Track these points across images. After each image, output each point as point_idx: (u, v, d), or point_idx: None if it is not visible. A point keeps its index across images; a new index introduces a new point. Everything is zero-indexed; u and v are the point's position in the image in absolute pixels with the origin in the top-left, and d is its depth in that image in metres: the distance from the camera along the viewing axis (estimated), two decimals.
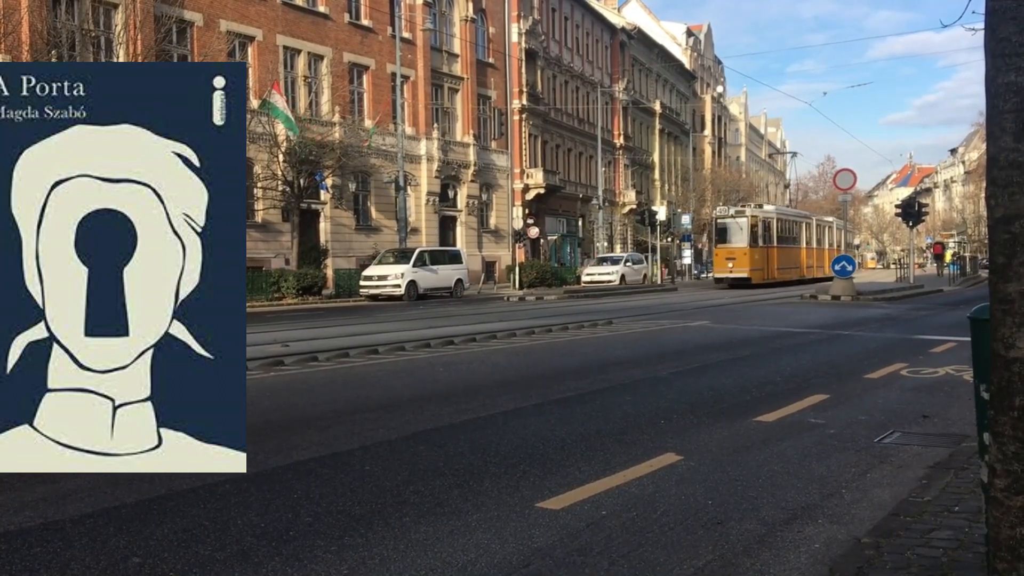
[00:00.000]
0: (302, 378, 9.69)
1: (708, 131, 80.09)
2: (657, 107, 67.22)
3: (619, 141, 59.64)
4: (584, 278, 40.52)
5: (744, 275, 36.14)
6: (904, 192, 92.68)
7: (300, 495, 4.79)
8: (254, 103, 31.11)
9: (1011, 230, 2.70)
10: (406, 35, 37.48)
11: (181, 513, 4.44)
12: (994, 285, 2.76)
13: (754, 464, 5.52)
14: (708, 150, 79.18)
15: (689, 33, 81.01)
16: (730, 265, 36.55)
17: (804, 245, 43.46)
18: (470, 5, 42.83)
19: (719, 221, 38.76)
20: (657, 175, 67.34)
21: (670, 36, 76.67)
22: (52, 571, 3.65)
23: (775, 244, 38.71)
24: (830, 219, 53.49)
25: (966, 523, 4.10)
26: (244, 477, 5.13)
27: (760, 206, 41.47)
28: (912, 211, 34.55)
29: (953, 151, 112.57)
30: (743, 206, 42.75)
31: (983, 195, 3.06)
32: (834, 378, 9.45)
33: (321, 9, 34.94)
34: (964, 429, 6.35)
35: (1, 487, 4.92)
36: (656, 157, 67.63)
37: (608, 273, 40.34)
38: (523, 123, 47.15)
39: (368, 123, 35.64)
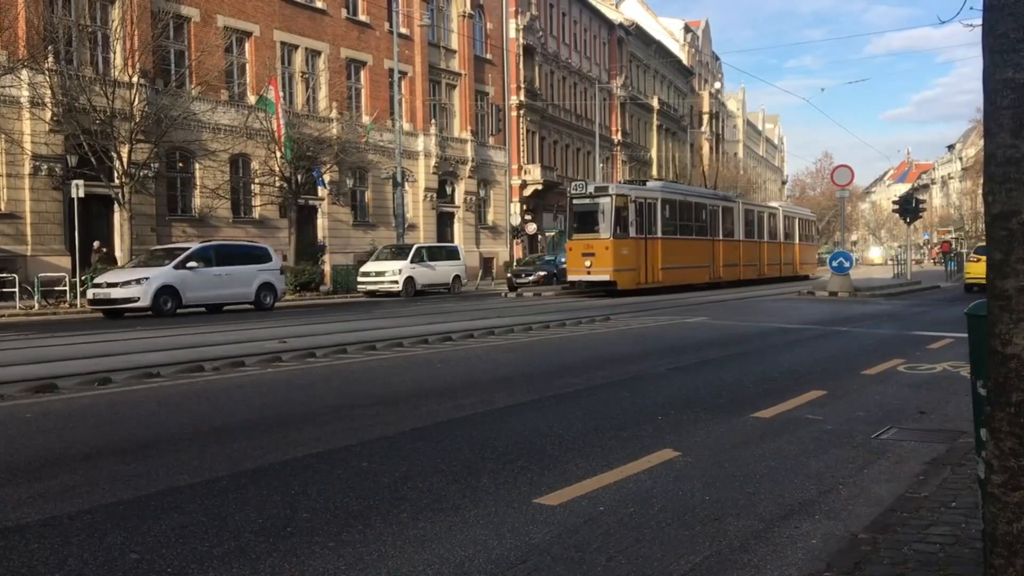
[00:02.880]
0: (300, 374, 9.68)
1: (706, 127, 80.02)
2: (655, 103, 67.18)
3: (617, 137, 59.61)
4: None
5: (605, 277, 26.29)
6: (902, 188, 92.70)
7: (298, 491, 4.79)
8: (251, 99, 31.10)
9: (1008, 226, 2.70)
10: (404, 31, 37.43)
11: (179, 509, 4.44)
12: (991, 281, 2.77)
13: (751, 460, 5.53)
14: (706, 146, 79.13)
15: (687, 29, 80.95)
16: (587, 264, 26.26)
17: (725, 237, 33.50)
18: (467, 1, 42.76)
19: (574, 203, 27.42)
20: (655, 171, 67.25)
21: (668, 32, 76.62)
22: (50, 567, 3.64)
23: (660, 235, 28.18)
24: (793, 208, 46.93)
25: (963, 519, 4.10)
26: (242, 473, 5.15)
27: (643, 183, 30.98)
28: (910, 207, 34.55)
29: (951, 147, 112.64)
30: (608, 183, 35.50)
31: (980, 191, 3.06)
32: (831, 374, 9.45)
33: (318, 5, 34.87)
34: (961, 425, 6.36)
35: (0, 482, 4.93)
36: (654, 153, 67.60)
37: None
38: (521, 119, 47.11)
39: (366, 119, 35.60)
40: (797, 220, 43.21)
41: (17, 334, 15.31)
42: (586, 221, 27.07)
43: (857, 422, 6.76)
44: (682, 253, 29.83)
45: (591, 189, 27.28)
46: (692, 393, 8.22)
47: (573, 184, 29.23)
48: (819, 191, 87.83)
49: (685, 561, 3.75)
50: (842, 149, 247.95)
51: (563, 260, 31.02)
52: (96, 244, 25.47)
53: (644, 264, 27.42)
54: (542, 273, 33.92)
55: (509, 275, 35.04)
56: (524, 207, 46.11)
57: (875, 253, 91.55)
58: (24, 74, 24.09)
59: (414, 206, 38.87)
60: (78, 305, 22.20)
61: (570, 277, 27.77)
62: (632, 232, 26.93)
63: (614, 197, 26.52)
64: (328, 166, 32.71)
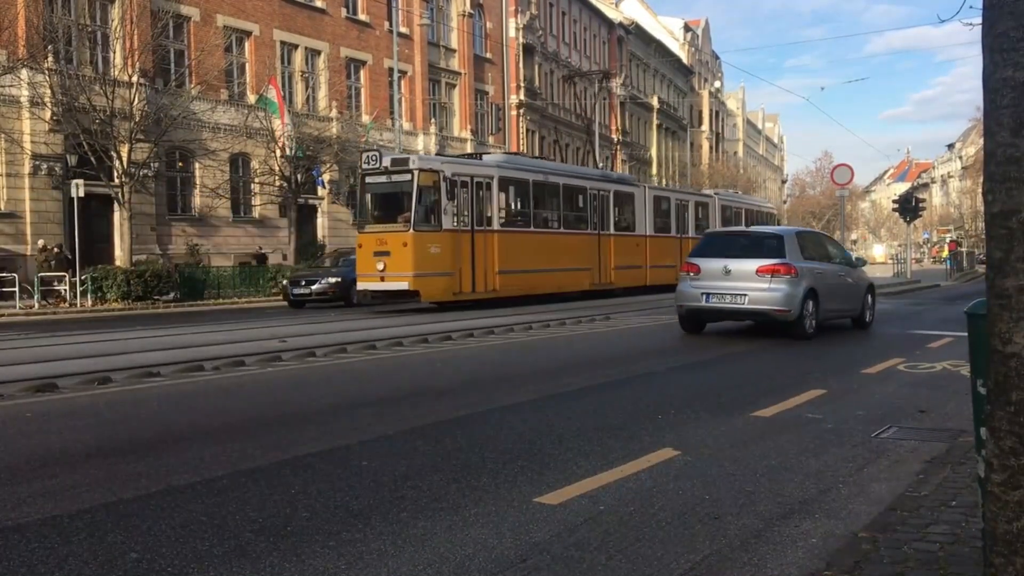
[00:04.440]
0: (300, 373, 9.68)
1: (705, 126, 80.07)
2: (655, 102, 67.18)
3: (617, 136, 59.60)
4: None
5: (402, 284, 19.12)
6: (902, 187, 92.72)
7: (298, 490, 4.79)
8: (251, 98, 31.09)
9: (1008, 225, 2.70)
10: (403, 30, 37.42)
11: (179, 508, 4.44)
12: (991, 280, 2.77)
13: (752, 459, 5.53)
14: (705, 145, 79.19)
15: (687, 28, 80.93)
16: (380, 266, 19.23)
17: (622, 231, 26.48)
18: (467, 0, 42.76)
19: (368, 181, 20.19)
20: (655, 170, 67.29)
21: (667, 31, 76.60)
22: (50, 566, 3.64)
23: (498, 227, 21.13)
24: (739, 198, 37.55)
25: (963, 518, 4.11)
26: (242, 472, 5.15)
27: (478, 155, 23.74)
28: (909, 206, 34.57)
29: (950, 146, 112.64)
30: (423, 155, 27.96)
31: (980, 190, 3.06)
32: (831, 373, 9.45)
33: (318, 4, 34.87)
34: (961, 424, 6.36)
35: (0, 482, 4.93)
36: (653, 152, 67.60)
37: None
38: (520, 118, 47.10)
39: (365, 118, 35.60)
40: (744, 212, 35.50)
41: (17, 333, 15.32)
42: (383, 207, 20.26)
43: (857, 421, 6.76)
44: (537, 251, 22.24)
45: (387, 162, 19.45)
46: (692, 392, 8.22)
47: (365, 155, 20.41)
48: (819, 190, 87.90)
49: (685, 560, 3.75)
50: (842, 148, 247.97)
51: None
52: (41, 243, 24.06)
53: (469, 267, 19.89)
54: (333, 280, 22.92)
55: (285, 283, 24.61)
56: None
57: (877, 251, 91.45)
58: (24, 73, 24.09)
59: None
60: (78, 304, 22.21)
61: (360, 284, 20.25)
62: (448, 223, 19.39)
63: (417, 174, 18.97)
64: (328, 165, 32.70)
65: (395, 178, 19.61)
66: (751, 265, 12.83)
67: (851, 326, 14.63)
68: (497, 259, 20.81)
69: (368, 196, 20.51)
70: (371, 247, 19.61)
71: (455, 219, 19.84)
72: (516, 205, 23.10)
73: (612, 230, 25.98)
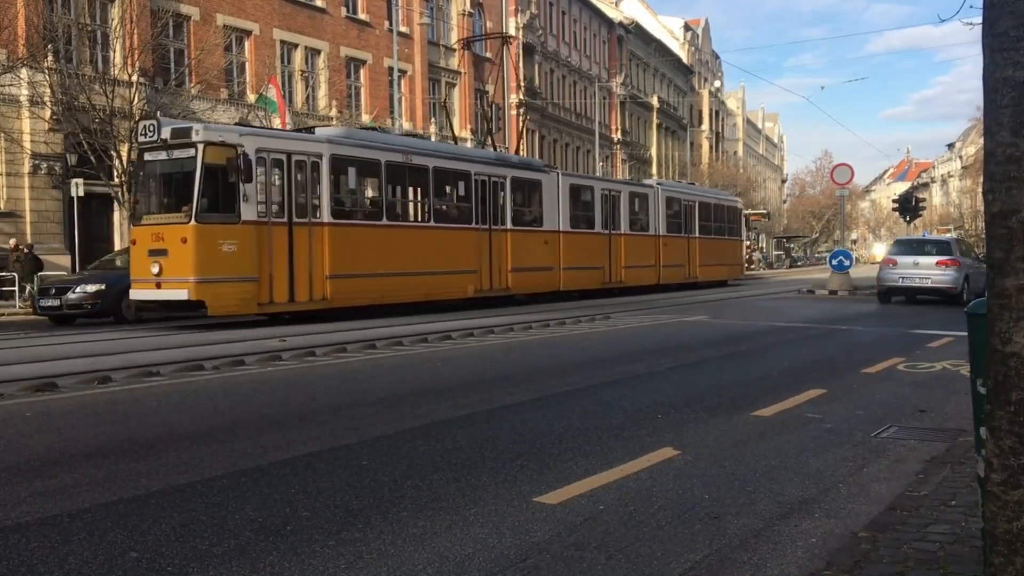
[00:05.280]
0: (299, 373, 9.68)
1: (705, 126, 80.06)
2: (655, 102, 67.17)
3: (616, 136, 59.59)
4: None
5: (182, 293, 14.77)
6: (901, 187, 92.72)
7: (298, 489, 4.79)
8: (251, 98, 31.10)
9: (1008, 225, 2.70)
10: (403, 29, 37.42)
11: (179, 508, 4.44)
12: (991, 280, 2.77)
13: (751, 458, 5.53)
14: (705, 145, 79.17)
15: (687, 27, 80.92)
16: (155, 269, 14.93)
17: (521, 226, 22.07)
18: None
19: (146, 159, 15.70)
20: (655, 170, 67.25)
21: (667, 31, 76.59)
22: (50, 566, 3.64)
23: (329, 218, 16.53)
24: (690, 189, 32.68)
25: (963, 517, 4.11)
26: (242, 472, 5.14)
27: (309, 130, 18.57)
28: (909, 206, 34.51)
29: (950, 146, 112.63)
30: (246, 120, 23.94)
31: (980, 190, 3.06)
32: (831, 373, 9.45)
33: (318, 3, 34.86)
34: (961, 424, 6.36)
35: (0, 481, 4.92)
36: (653, 152, 67.60)
37: None
38: (520, 118, 47.11)
39: (365, 118, 35.60)
40: (698, 205, 31.05)
41: (17, 333, 15.31)
42: (163, 192, 15.78)
43: (857, 421, 6.76)
44: (393, 250, 17.97)
45: (166, 133, 14.95)
46: (692, 392, 8.22)
47: (141, 124, 16.09)
48: (819, 190, 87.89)
49: (685, 559, 3.75)
50: (842, 147, 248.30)
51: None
52: (12, 242, 22.30)
53: (284, 270, 15.63)
54: (93, 288, 17.40)
55: (30, 291, 20.68)
56: None
57: (878, 251, 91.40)
58: (24, 73, 24.09)
59: None
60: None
61: (132, 293, 15.79)
62: (249, 212, 15.09)
63: (203, 149, 14.63)
64: None
65: (177, 154, 15.00)
66: (932, 260, 20.74)
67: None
68: (328, 260, 16.18)
69: (145, 178, 15.90)
70: (146, 244, 15.08)
71: (261, 208, 15.35)
72: (361, 191, 19.04)
73: (509, 224, 21.36)
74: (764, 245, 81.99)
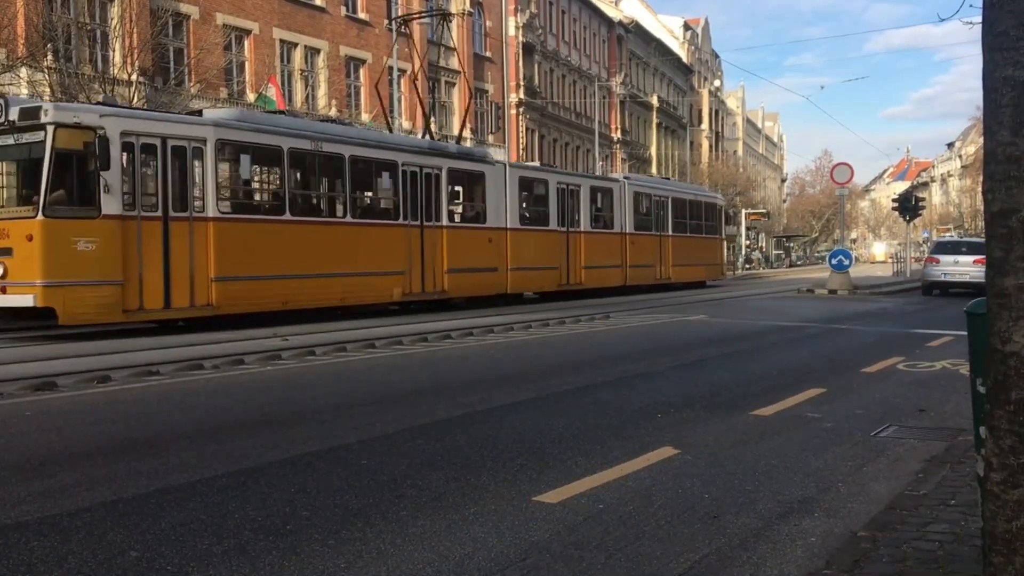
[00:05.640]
0: (299, 372, 9.68)
1: (705, 125, 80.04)
2: (654, 101, 67.16)
3: (616, 135, 59.58)
4: None
5: (27, 298, 12.57)
6: (901, 186, 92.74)
7: (297, 489, 4.79)
8: (251, 97, 31.09)
9: (1008, 224, 2.70)
10: (403, 29, 37.39)
11: (179, 507, 4.44)
12: (991, 279, 2.77)
13: (751, 458, 5.53)
14: (705, 144, 79.15)
15: (686, 27, 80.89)
16: None
17: (462, 223, 20.28)
18: None
19: None
20: (654, 169, 67.23)
21: (667, 30, 76.57)
22: (50, 565, 3.64)
23: (213, 214, 14.46)
24: (661, 184, 31.24)
25: (962, 516, 4.11)
26: (242, 471, 5.14)
27: (197, 112, 16.21)
28: (909, 205, 34.55)
29: (950, 145, 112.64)
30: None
31: (980, 189, 3.06)
32: (831, 372, 9.45)
33: (317, 3, 34.85)
34: (960, 423, 6.36)
35: None
36: (653, 151, 67.58)
37: None
38: (520, 117, 47.09)
39: (365, 117, 35.59)
40: (671, 202, 28.97)
41: (17, 332, 15.29)
42: (9, 180, 14.55)
43: (856, 420, 6.76)
44: (298, 249, 15.81)
45: (14, 114, 12.86)
46: (691, 391, 8.22)
47: None
48: (819, 189, 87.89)
49: (684, 559, 3.75)
50: (842, 147, 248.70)
51: None
52: None
53: (158, 272, 13.63)
54: None
55: None
56: None
57: (877, 250, 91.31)
58: (23, 72, 24.07)
59: None
60: None
61: None
62: (112, 205, 13.15)
63: (53, 132, 12.68)
64: None
65: (26, 138, 13.07)
66: (969, 258, 23.30)
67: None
68: (214, 260, 14.15)
69: None
70: None
71: (128, 200, 13.39)
72: (259, 182, 17.12)
73: (445, 221, 19.19)
74: (764, 244, 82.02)
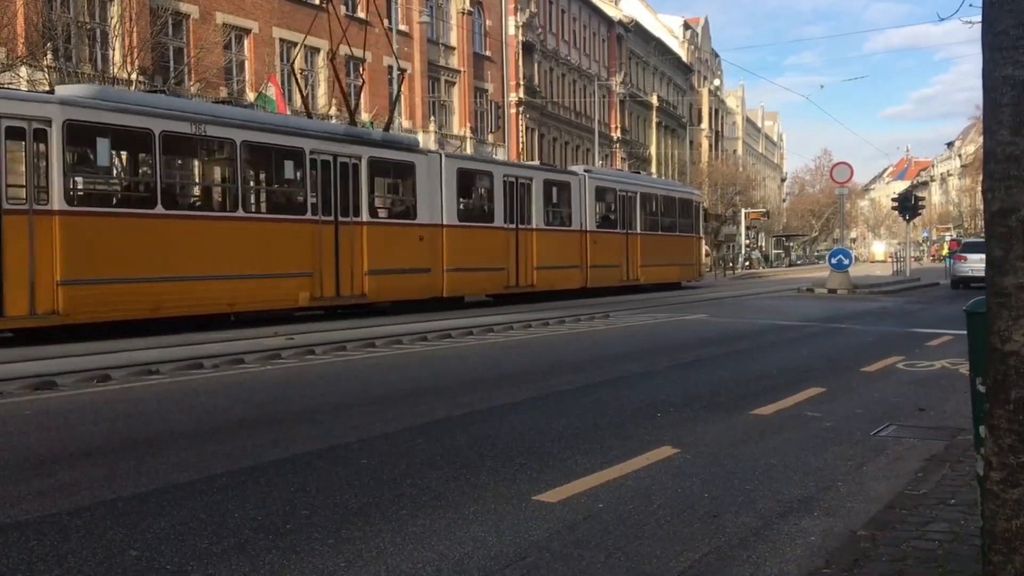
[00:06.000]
0: (299, 371, 9.68)
1: (705, 124, 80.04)
2: (654, 100, 67.14)
3: (616, 134, 59.57)
4: None
5: None
6: (901, 185, 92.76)
7: (297, 488, 4.79)
8: (250, 96, 31.08)
9: (1008, 224, 2.70)
10: (403, 28, 37.42)
11: (179, 506, 4.44)
12: (991, 279, 2.77)
13: (751, 457, 5.53)
14: (705, 143, 79.15)
15: (686, 26, 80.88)
16: None
17: (361, 218, 17.09)
18: None
19: None
20: (654, 168, 67.23)
21: (667, 29, 76.56)
22: (49, 564, 3.64)
23: (59, 207, 12.42)
24: (628, 178, 29.18)
25: (962, 516, 4.11)
26: (242, 470, 5.14)
27: (49, 90, 14.65)
28: (908, 204, 34.54)
29: (950, 144, 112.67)
30: None
31: (980, 188, 3.06)
32: (831, 371, 9.46)
33: (317, 1, 34.83)
34: (960, 422, 6.36)
35: None
36: (653, 150, 67.57)
37: None
38: (520, 116, 47.09)
39: (365, 116, 35.58)
40: (639, 198, 26.82)
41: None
42: None
43: (856, 419, 6.76)
44: (162, 248, 13.68)
45: None
46: (691, 390, 8.22)
47: None
48: (818, 188, 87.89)
49: (684, 558, 3.75)
50: (841, 146, 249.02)
51: None
52: None
53: None
54: None
55: None
56: None
57: (877, 249, 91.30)
58: (23, 71, 24.06)
59: None
60: None
61: None
62: None
63: None
64: None
65: None
66: None
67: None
68: (60, 260, 12.34)
69: None
70: None
71: None
72: (123, 170, 15.03)
73: (366, 216, 17.12)
74: (763, 244, 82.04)
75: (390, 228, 18.05)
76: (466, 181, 20.34)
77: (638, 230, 26.64)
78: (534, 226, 21.87)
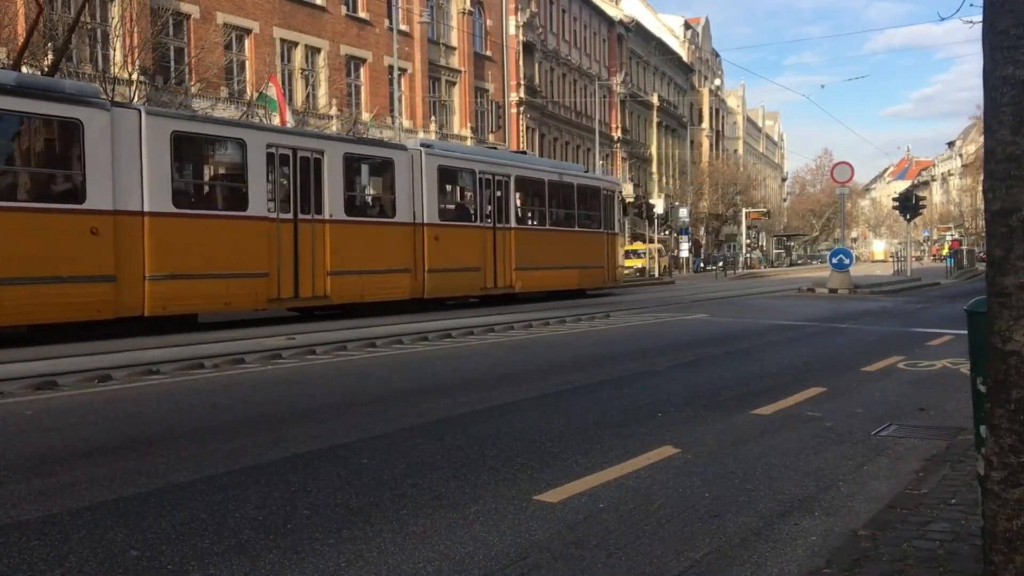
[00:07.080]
0: (300, 371, 9.68)
1: (705, 124, 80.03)
2: (655, 100, 67.14)
3: (616, 134, 59.56)
4: None
5: None
6: (902, 185, 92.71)
7: (298, 488, 4.79)
8: (251, 95, 31.08)
9: (1008, 223, 2.70)
10: (403, 28, 37.39)
11: (179, 506, 4.44)
12: (991, 278, 2.77)
13: (751, 457, 5.53)
14: (705, 143, 79.14)
15: (687, 26, 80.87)
16: None
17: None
18: None
19: None
20: (655, 168, 67.26)
21: (668, 29, 76.56)
22: (50, 564, 3.64)
23: None
24: (531, 163, 24.12)
25: (962, 515, 4.11)
26: (242, 470, 5.15)
27: None
28: (909, 204, 34.55)
29: (951, 144, 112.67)
30: None
31: (980, 188, 3.06)
32: (831, 371, 9.45)
33: (318, 2, 34.84)
34: (961, 422, 6.36)
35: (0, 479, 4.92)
36: (653, 150, 67.55)
37: None
38: (520, 116, 47.08)
39: (365, 116, 35.57)
40: (514, 182, 21.27)
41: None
42: None
43: (857, 419, 6.76)
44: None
45: None
46: (692, 390, 8.21)
47: None
48: (819, 188, 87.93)
49: (685, 558, 3.75)
50: (842, 146, 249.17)
51: None
52: None
53: None
54: None
55: None
56: None
57: (878, 248, 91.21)
58: (24, 71, 24.06)
59: None
60: None
61: None
62: None
63: None
64: None
65: None
66: None
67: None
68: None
69: None
70: None
71: None
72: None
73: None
74: (764, 243, 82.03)
75: (23, 215, 12.08)
76: (195, 151, 15.13)
77: (512, 223, 21.11)
78: (327, 217, 16.17)
